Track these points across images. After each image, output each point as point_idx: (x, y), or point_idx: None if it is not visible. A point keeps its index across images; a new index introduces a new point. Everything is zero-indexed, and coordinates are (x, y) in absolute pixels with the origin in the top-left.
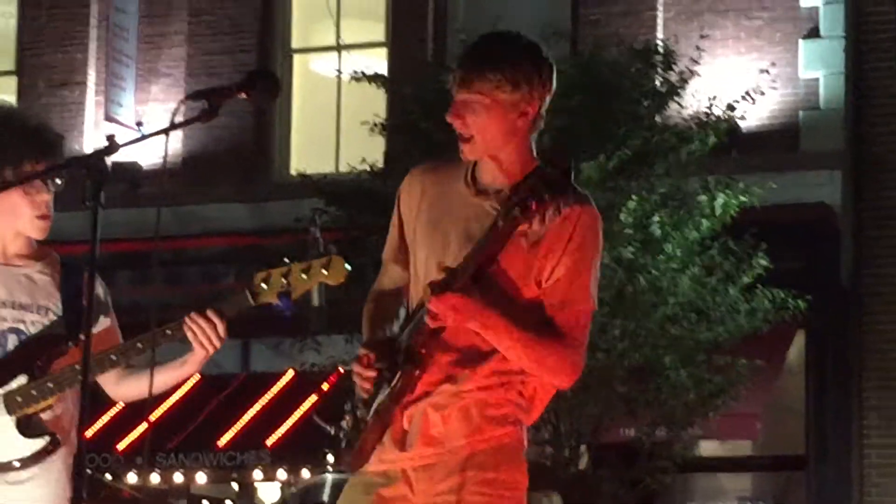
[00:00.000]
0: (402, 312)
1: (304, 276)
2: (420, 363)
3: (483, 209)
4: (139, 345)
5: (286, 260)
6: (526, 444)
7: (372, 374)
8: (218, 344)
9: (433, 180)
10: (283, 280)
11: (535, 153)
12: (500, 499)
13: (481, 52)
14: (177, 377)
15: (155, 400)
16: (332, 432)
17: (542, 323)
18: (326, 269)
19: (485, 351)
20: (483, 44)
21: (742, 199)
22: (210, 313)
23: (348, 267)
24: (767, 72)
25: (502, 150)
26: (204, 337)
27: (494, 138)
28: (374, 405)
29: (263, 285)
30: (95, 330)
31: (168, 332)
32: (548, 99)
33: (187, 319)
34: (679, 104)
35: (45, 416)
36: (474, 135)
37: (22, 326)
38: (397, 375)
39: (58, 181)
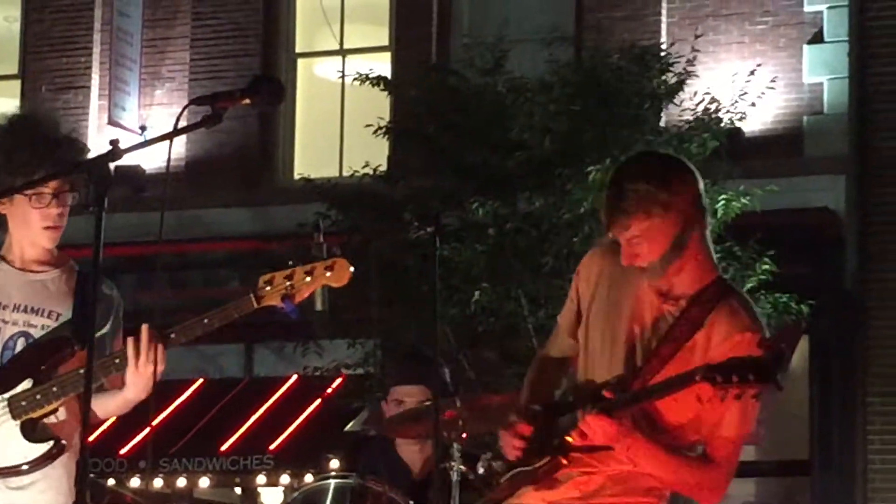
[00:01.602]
0: (565, 382)
1: (307, 278)
2: (569, 457)
3: (661, 313)
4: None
5: (290, 262)
6: None
7: (520, 444)
8: (148, 369)
9: (614, 261)
10: (287, 282)
11: (713, 255)
12: None
13: (619, 193)
14: (122, 402)
15: (156, 405)
16: (465, 472)
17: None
18: (330, 272)
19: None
20: (617, 182)
21: (744, 201)
22: (150, 334)
23: (352, 269)
24: (775, 80)
25: (678, 265)
26: (143, 356)
27: (667, 256)
28: (513, 472)
29: (267, 288)
30: (104, 331)
31: (117, 360)
32: (702, 194)
33: (132, 339)
34: (679, 106)
35: (49, 420)
36: (644, 259)
37: (31, 331)
38: (545, 460)
39: (74, 195)
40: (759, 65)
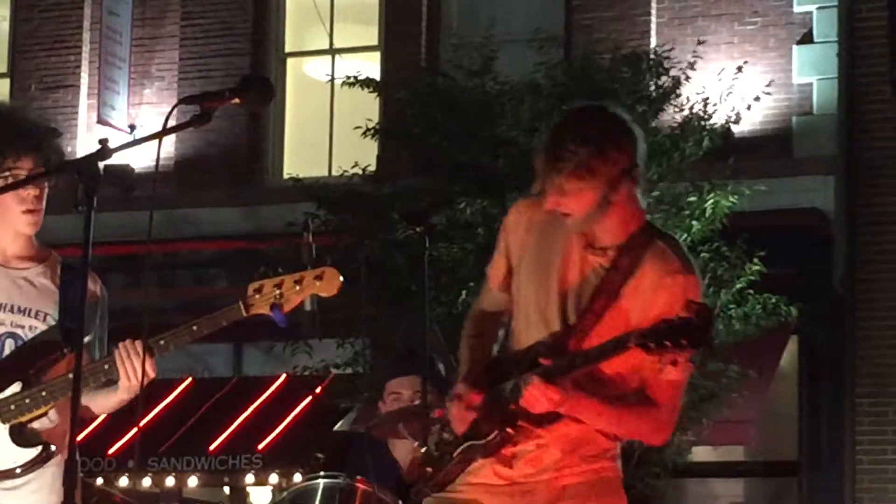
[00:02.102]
0: (502, 334)
1: (296, 286)
2: (516, 427)
3: (592, 266)
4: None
5: (280, 270)
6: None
7: (470, 416)
8: (139, 378)
9: (541, 214)
10: (276, 291)
11: (641, 200)
12: None
13: (558, 153)
14: (116, 401)
15: (145, 404)
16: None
17: (633, 392)
18: (319, 281)
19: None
20: (558, 138)
21: (732, 200)
22: (138, 346)
23: (341, 278)
24: (770, 83)
25: (603, 218)
26: (130, 367)
27: (592, 212)
28: (464, 445)
29: (256, 296)
30: (90, 338)
31: (106, 366)
32: (637, 158)
33: (120, 347)
34: (675, 107)
35: (38, 424)
36: (571, 213)
37: (20, 331)
38: (494, 434)
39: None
40: (745, 62)
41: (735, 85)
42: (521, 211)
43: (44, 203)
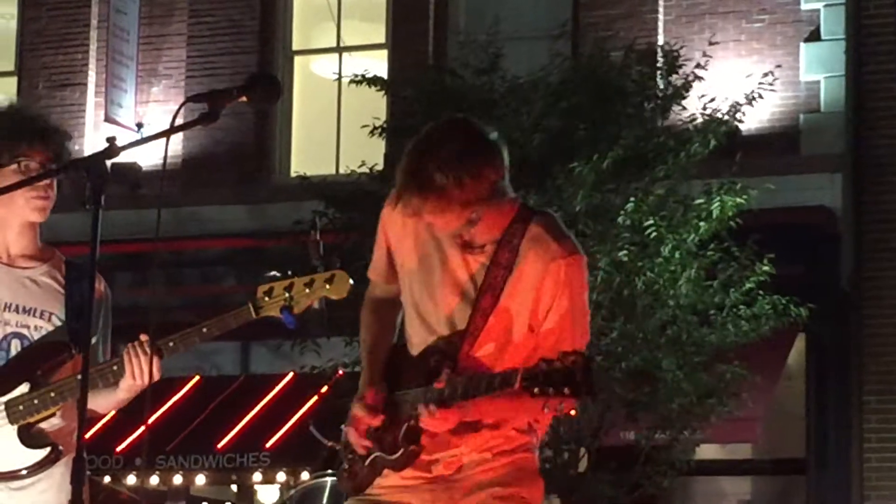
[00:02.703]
0: (399, 321)
1: (307, 289)
2: (420, 444)
3: (474, 266)
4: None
5: (289, 273)
6: (538, 464)
7: (368, 443)
8: (146, 378)
9: (417, 219)
10: (286, 294)
11: (510, 194)
12: None
13: (418, 179)
14: (115, 402)
15: (152, 402)
16: (331, 446)
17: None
18: (329, 284)
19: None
20: (420, 151)
21: (739, 200)
22: (148, 347)
23: (352, 282)
24: (772, 73)
25: (479, 222)
26: (138, 368)
27: (466, 222)
28: (372, 456)
29: (266, 298)
30: (95, 338)
31: (115, 367)
32: (504, 162)
33: (129, 347)
34: (683, 106)
35: (46, 424)
36: (447, 222)
37: (26, 331)
38: (399, 452)
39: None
40: (755, 63)
41: (742, 83)
42: (394, 208)
43: (53, 193)
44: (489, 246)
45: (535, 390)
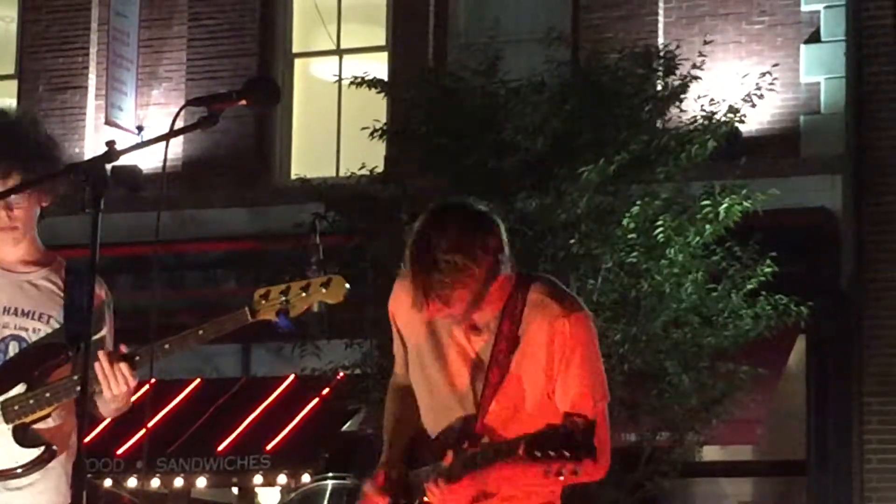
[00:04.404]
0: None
1: (303, 294)
2: None
3: (479, 346)
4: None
5: (286, 278)
6: None
7: None
8: (122, 388)
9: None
10: (282, 297)
11: (509, 268)
12: None
13: (428, 248)
14: (111, 410)
15: (153, 405)
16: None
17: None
18: (326, 288)
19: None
20: (424, 237)
21: (746, 204)
22: (116, 357)
23: (347, 286)
24: (770, 73)
25: (482, 306)
26: (105, 379)
27: (472, 300)
28: None
29: (263, 302)
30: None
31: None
32: (504, 237)
33: (96, 361)
34: (680, 108)
35: (41, 425)
36: (454, 306)
37: (24, 334)
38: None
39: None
40: (755, 65)
41: (743, 84)
42: (400, 299)
43: (19, 220)
44: (492, 322)
45: (538, 454)
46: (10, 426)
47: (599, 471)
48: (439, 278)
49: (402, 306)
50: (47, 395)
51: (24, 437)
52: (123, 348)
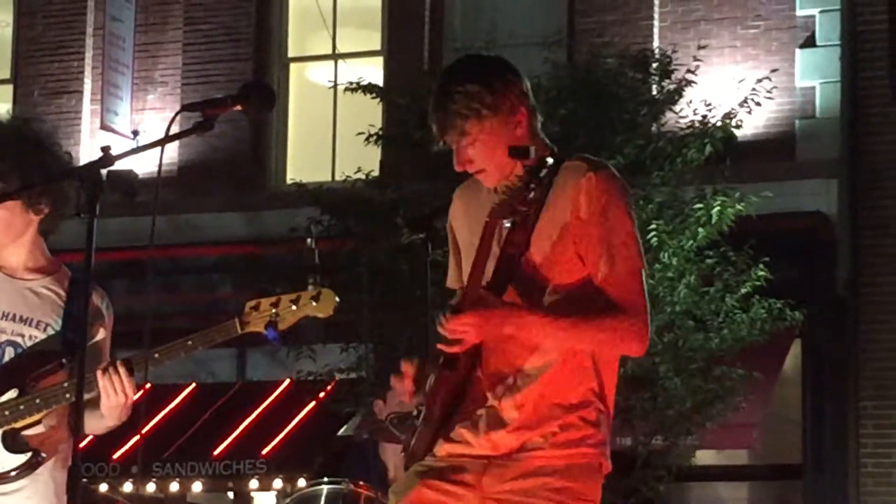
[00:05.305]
0: None
1: (292, 307)
2: (452, 366)
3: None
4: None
5: (277, 290)
6: (605, 466)
7: (409, 385)
8: (121, 398)
9: (467, 197)
10: (272, 310)
11: (544, 140)
12: None
13: (448, 95)
14: (102, 426)
15: (148, 410)
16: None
17: (593, 301)
18: (315, 302)
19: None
20: (444, 86)
21: (739, 207)
22: (118, 366)
23: (337, 300)
24: (769, 79)
25: (515, 165)
26: (111, 388)
27: (502, 161)
28: (421, 414)
29: (252, 314)
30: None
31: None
32: (528, 92)
33: (100, 369)
34: (675, 113)
35: (31, 431)
36: (484, 168)
37: (20, 340)
38: (431, 377)
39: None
40: (750, 69)
41: (738, 89)
42: (456, 206)
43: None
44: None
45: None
46: (0, 431)
47: (632, 340)
48: (453, 108)
49: (457, 212)
50: (38, 401)
51: (13, 442)
52: (120, 364)
